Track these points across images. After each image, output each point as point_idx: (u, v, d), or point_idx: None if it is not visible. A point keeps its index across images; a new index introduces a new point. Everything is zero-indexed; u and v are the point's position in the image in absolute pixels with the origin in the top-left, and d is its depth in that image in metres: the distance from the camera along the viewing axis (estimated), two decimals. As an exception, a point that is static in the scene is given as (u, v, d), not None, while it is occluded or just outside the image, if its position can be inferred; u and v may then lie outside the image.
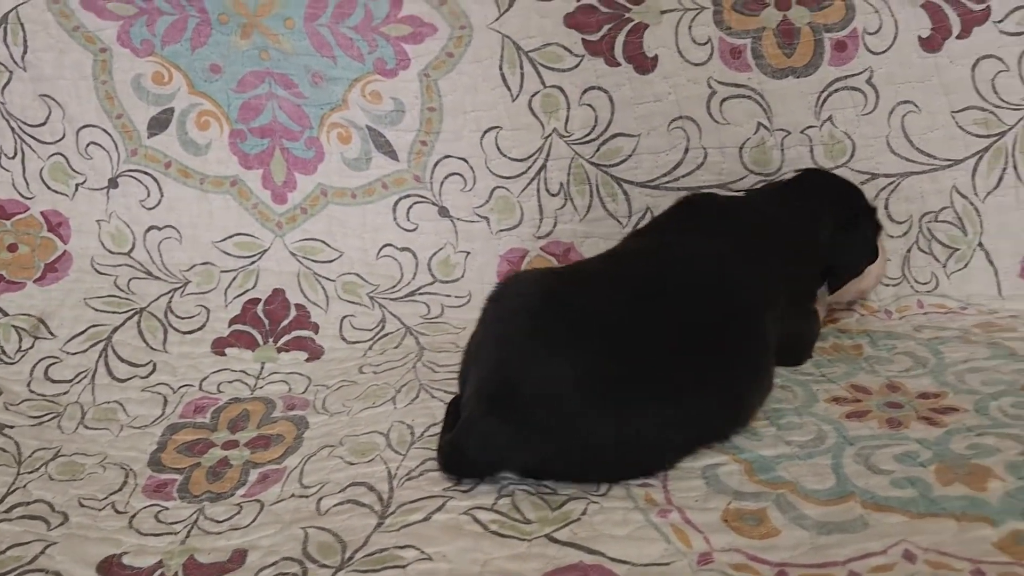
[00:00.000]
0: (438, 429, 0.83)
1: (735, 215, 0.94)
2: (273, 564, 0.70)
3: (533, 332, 0.76)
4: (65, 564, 0.74)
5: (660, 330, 0.77)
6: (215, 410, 0.96)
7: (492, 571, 0.64)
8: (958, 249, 1.05)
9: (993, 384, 0.83)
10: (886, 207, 1.06)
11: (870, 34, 1.04)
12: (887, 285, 1.05)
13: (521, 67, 1.07)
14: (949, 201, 1.05)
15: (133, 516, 0.81)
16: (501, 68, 1.07)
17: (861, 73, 1.04)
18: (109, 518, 0.81)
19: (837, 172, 1.05)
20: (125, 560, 0.75)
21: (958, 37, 1.03)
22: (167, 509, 0.82)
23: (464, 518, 0.70)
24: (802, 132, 1.05)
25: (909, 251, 1.05)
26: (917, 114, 1.04)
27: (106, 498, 0.84)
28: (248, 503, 0.81)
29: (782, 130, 1.05)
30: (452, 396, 0.85)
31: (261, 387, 1.00)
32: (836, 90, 1.04)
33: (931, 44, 1.03)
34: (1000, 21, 1.02)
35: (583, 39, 1.06)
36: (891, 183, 1.05)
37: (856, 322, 1.02)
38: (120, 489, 0.85)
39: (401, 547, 0.68)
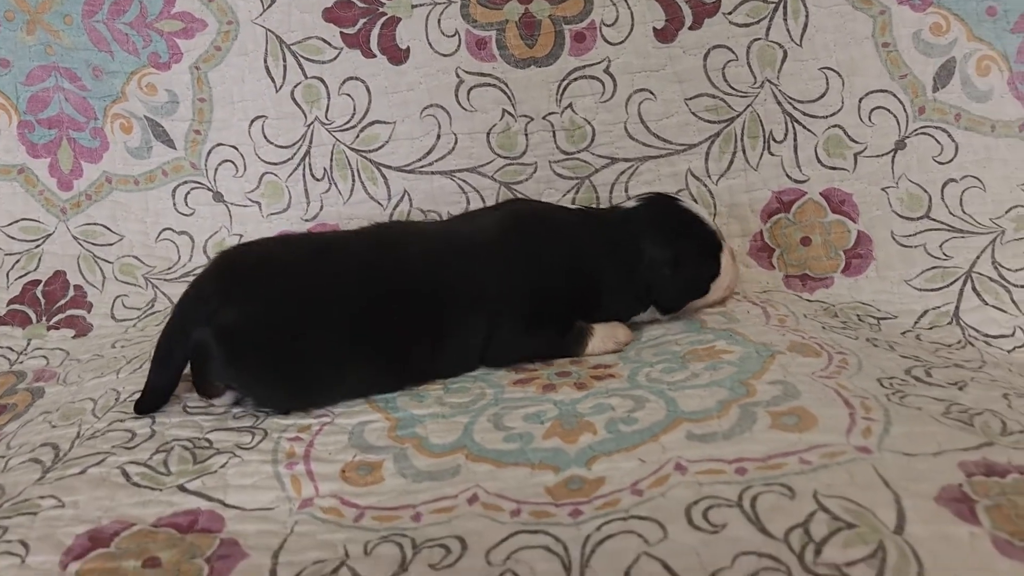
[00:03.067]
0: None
1: (534, 221, 0.96)
2: (-63, 517, 0.76)
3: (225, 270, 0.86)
4: None
5: (358, 294, 0.85)
6: (-32, 383, 1.02)
7: (112, 516, 0.70)
8: (693, 230, 1.09)
9: (660, 355, 0.88)
10: (626, 191, 1.11)
11: (607, 26, 1.09)
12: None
13: (284, 59, 1.13)
14: (685, 184, 1.10)
15: None
16: (266, 60, 1.13)
17: (599, 63, 1.10)
18: None
19: (578, 155, 1.10)
20: None
21: (691, 28, 1.08)
22: None
23: (115, 471, 0.76)
24: (544, 118, 1.11)
25: (648, 232, 1.10)
26: (653, 101, 1.10)
27: None
28: (-44, 465, 0.86)
29: (525, 116, 1.11)
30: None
31: (22, 362, 1.06)
32: (576, 79, 1.10)
33: (665, 35, 1.09)
34: (730, 13, 1.08)
35: (341, 32, 1.12)
36: (630, 167, 1.11)
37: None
38: None
39: (44, 496, 0.73)
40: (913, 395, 0.75)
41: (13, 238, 1.18)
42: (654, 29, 1.09)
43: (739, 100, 1.08)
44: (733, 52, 1.08)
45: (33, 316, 1.12)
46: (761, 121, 1.08)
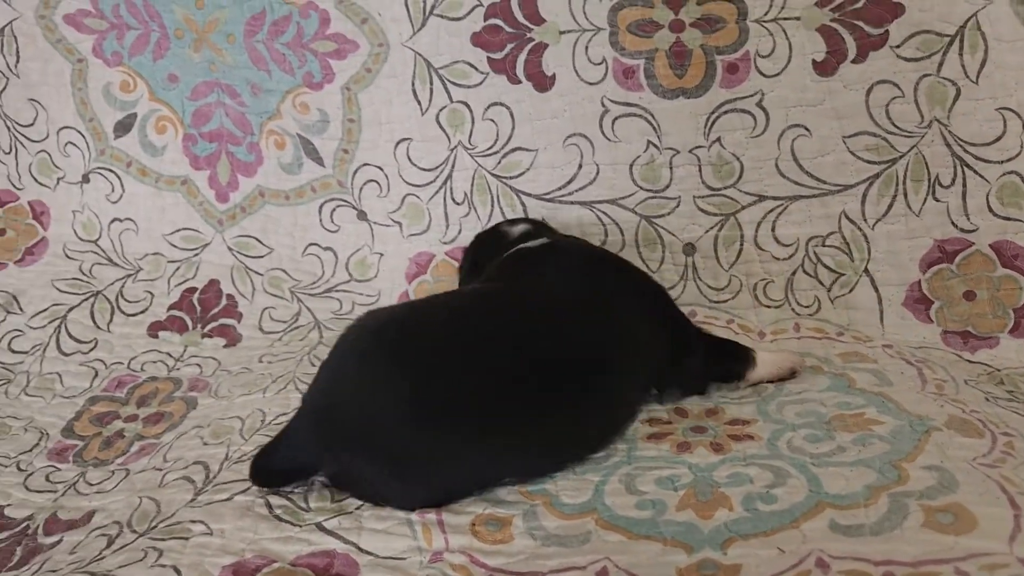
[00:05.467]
0: (285, 418, 0.92)
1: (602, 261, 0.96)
2: (104, 525, 0.82)
3: (362, 354, 0.80)
4: (-43, 512, 0.89)
5: (494, 368, 0.77)
6: (132, 387, 1.09)
7: (254, 549, 0.73)
8: (844, 274, 1.04)
9: (804, 416, 0.84)
10: (772, 230, 1.06)
11: (763, 57, 1.04)
12: (767, 307, 1.06)
13: (431, 83, 1.14)
14: (837, 226, 1.05)
15: (30, 474, 0.95)
16: (413, 83, 1.15)
17: (752, 96, 1.05)
18: (11, 474, 0.95)
19: (724, 192, 1.07)
20: (7, 512, 0.89)
21: (853, 61, 1.02)
22: (59, 470, 0.96)
23: (259, 501, 0.79)
24: (690, 152, 1.07)
25: (794, 274, 1.06)
26: (808, 138, 1.04)
27: (16, 456, 0.98)
28: (119, 470, 0.93)
29: (671, 149, 1.08)
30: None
31: (178, 368, 1.12)
32: (726, 111, 1.06)
33: (825, 68, 1.03)
34: (898, 46, 1.01)
35: (488, 57, 1.12)
36: (779, 206, 1.06)
37: (730, 342, 1.03)
38: (30, 450, 1.00)
39: (194, 521, 0.77)
40: (1091, 495, 0.68)
41: (175, 246, 1.25)
42: (813, 62, 1.03)
43: (903, 140, 1.01)
44: (899, 88, 1.01)
45: (189, 323, 1.19)
46: (927, 163, 1.01)
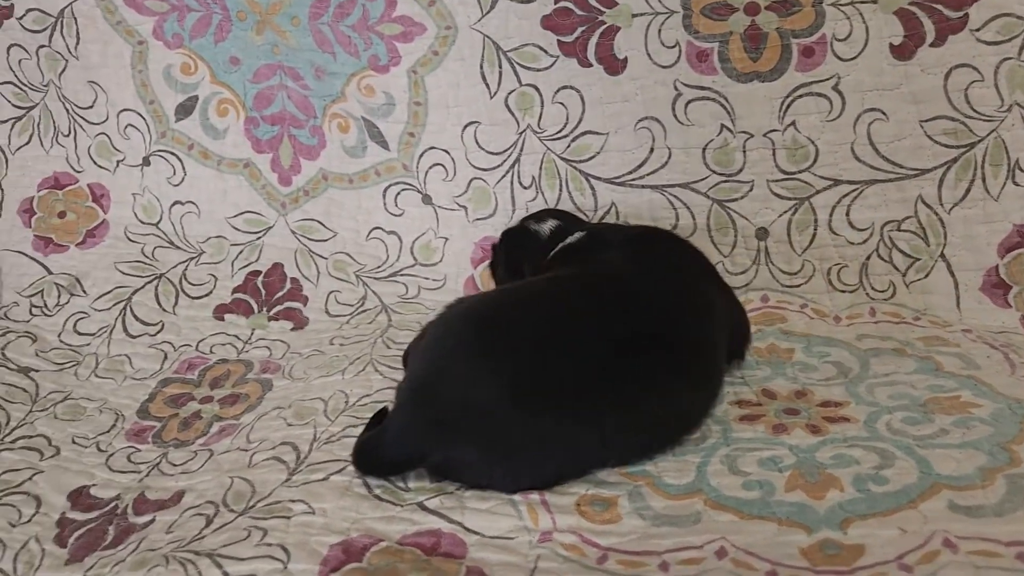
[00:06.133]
0: (369, 400, 0.92)
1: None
2: (198, 505, 0.82)
3: (461, 342, 0.79)
4: (44, 490, 0.89)
5: (591, 348, 0.77)
6: (203, 368, 1.09)
7: (359, 528, 0.73)
8: (919, 259, 1.04)
9: (897, 398, 0.84)
10: (847, 214, 1.06)
11: (839, 40, 1.04)
12: (841, 292, 1.06)
13: (500, 66, 1.13)
14: (913, 211, 1.04)
15: (111, 455, 0.95)
16: (482, 66, 1.14)
17: (828, 79, 1.05)
18: (92, 455, 0.95)
19: (799, 176, 1.07)
20: (92, 491, 0.89)
21: (932, 45, 1.02)
22: (139, 451, 0.96)
23: (356, 481, 0.79)
24: (765, 135, 1.07)
25: (868, 258, 1.06)
26: (884, 122, 1.04)
27: (95, 437, 0.98)
28: (202, 451, 0.93)
29: (745, 132, 1.07)
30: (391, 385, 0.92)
31: (247, 351, 1.12)
32: (801, 95, 1.05)
33: (903, 52, 1.03)
34: (977, 30, 1.00)
35: (558, 40, 1.11)
36: (855, 190, 1.06)
37: (805, 324, 1.03)
38: (108, 431, 1.00)
39: (294, 500, 0.77)
40: None
41: (238, 229, 1.25)
42: (891, 45, 1.02)
43: (982, 124, 1.01)
44: (979, 72, 1.00)
45: (255, 306, 1.19)
46: (1006, 148, 1.00)
